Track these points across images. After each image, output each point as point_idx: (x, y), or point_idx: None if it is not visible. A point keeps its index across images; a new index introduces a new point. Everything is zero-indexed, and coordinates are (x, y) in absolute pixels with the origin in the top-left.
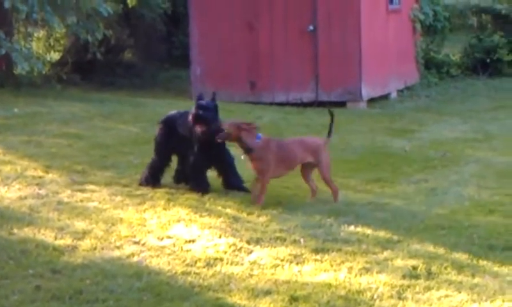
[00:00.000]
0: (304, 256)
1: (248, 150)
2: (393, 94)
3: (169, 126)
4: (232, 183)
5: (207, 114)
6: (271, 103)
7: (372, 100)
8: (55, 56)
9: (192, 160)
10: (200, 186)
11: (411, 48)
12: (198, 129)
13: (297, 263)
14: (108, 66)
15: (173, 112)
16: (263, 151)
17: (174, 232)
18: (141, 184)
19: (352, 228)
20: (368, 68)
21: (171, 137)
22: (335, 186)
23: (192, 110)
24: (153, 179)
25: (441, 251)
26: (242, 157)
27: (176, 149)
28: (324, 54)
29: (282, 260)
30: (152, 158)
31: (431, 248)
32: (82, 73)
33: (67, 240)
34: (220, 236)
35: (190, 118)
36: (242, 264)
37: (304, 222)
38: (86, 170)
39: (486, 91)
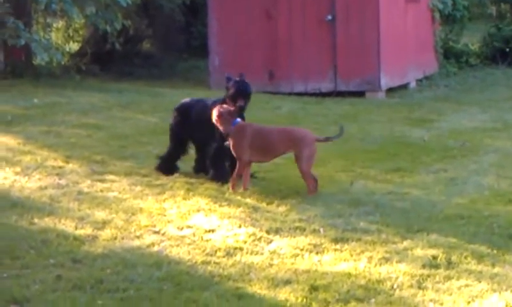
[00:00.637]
0: (324, 246)
1: (226, 135)
2: (412, 84)
3: (184, 113)
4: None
5: (249, 88)
6: (290, 93)
7: (390, 90)
8: (74, 47)
9: (212, 149)
10: (221, 176)
11: (430, 37)
12: (240, 103)
13: (317, 253)
14: (127, 57)
15: (187, 99)
16: (236, 136)
17: (194, 222)
18: (156, 169)
19: (371, 217)
20: (387, 57)
21: (185, 124)
22: (312, 184)
23: (207, 100)
24: (168, 166)
25: (461, 240)
26: (226, 143)
27: (191, 137)
28: (342, 43)
29: (302, 250)
30: (168, 146)
31: (450, 238)
32: (101, 64)
33: (87, 230)
34: (240, 226)
35: (232, 92)
36: (262, 254)
37: (324, 212)
38: (106, 160)
39: (505, 81)
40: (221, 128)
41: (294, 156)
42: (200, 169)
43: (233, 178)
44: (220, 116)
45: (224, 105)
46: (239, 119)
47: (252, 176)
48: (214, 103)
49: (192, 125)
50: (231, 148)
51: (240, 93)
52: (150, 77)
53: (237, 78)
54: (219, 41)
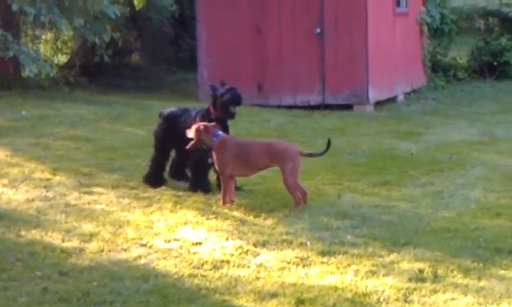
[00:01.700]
0: (310, 259)
1: (209, 149)
2: (400, 97)
3: (170, 122)
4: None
5: (241, 95)
6: (278, 106)
7: (379, 103)
8: (62, 59)
9: (195, 158)
10: (201, 184)
11: (418, 51)
12: (232, 110)
13: (303, 266)
14: (115, 69)
15: (173, 108)
16: (219, 149)
17: (181, 234)
18: (144, 182)
19: (358, 230)
20: (375, 71)
21: (170, 133)
22: (298, 197)
23: (195, 110)
24: (155, 177)
25: (447, 254)
26: (209, 160)
27: (176, 146)
28: (331, 56)
29: (289, 263)
30: (152, 155)
31: (437, 251)
32: (89, 76)
33: (74, 243)
34: (227, 239)
35: (226, 98)
36: (248, 267)
37: (311, 225)
38: (94, 172)
39: (492, 94)
40: (204, 142)
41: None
42: (177, 174)
43: (222, 194)
44: (201, 131)
45: (201, 123)
46: (220, 133)
47: (239, 188)
48: (198, 113)
49: (178, 135)
50: (215, 161)
51: (234, 100)
52: (138, 89)
53: (228, 86)
54: (208, 54)
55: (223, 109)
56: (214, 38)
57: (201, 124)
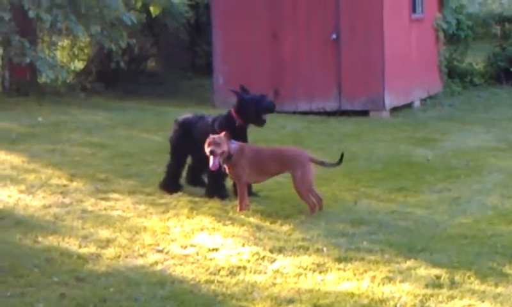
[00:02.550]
0: (327, 265)
1: (228, 158)
2: (417, 103)
3: (185, 129)
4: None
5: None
6: (294, 112)
7: (395, 109)
8: (79, 65)
9: None
10: (218, 190)
11: (434, 57)
12: (265, 118)
13: (320, 272)
14: (131, 75)
15: (189, 115)
16: (237, 157)
17: (197, 240)
18: (160, 188)
19: (375, 237)
20: (391, 77)
21: (186, 140)
22: (312, 202)
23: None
24: (171, 183)
25: (464, 260)
26: (222, 168)
27: (192, 153)
28: (347, 62)
29: (305, 269)
30: (168, 161)
31: (453, 257)
32: (105, 82)
33: (91, 248)
34: (243, 245)
35: (263, 106)
36: (265, 273)
37: (327, 231)
38: (110, 178)
39: (509, 100)
40: (229, 151)
41: None
42: (193, 180)
43: (239, 201)
44: (217, 143)
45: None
46: (234, 142)
47: (255, 194)
48: (215, 120)
49: (194, 142)
50: (230, 170)
51: (269, 108)
52: (154, 95)
53: (260, 94)
54: (224, 60)
55: (256, 117)
56: (230, 44)
57: (221, 135)
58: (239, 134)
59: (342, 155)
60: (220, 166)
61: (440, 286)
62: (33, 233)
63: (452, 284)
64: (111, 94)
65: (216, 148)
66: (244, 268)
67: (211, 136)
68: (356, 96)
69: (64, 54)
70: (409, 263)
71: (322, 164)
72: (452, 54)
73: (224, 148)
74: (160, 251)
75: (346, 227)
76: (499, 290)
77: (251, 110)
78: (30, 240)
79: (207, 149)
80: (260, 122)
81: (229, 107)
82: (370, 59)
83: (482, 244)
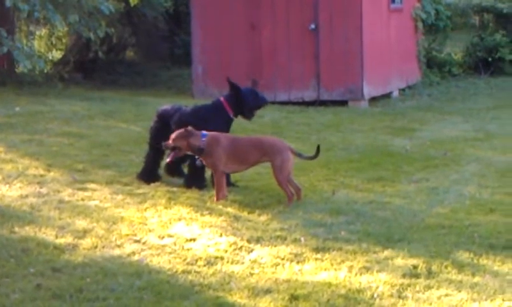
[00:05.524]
0: (304, 255)
1: (199, 151)
2: (395, 93)
3: (163, 120)
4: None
5: None
6: (273, 102)
7: (373, 99)
8: (57, 55)
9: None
10: (197, 182)
11: (413, 47)
12: (255, 113)
13: (297, 262)
14: (110, 65)
15: (168, 106)
16: (212, 147)
17: (175, 231)
18: (138, 178)
19: (352, 226)
20: (370, 67)
21: (164, 131)
22: (290, 191)
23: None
24: (149, 173)
25: (441, 250)
26: (197, 162)
27: None
28: (325, 52)
29: (283, 259)
30: (147, 152)
31: (431, 247)
32: (84, 72)
33: (68, 239)
34: (221, 235)
35: (259, 102)
36: (242, 263)
37: (305, 221)
38: (87, 169)
39: (487, 90)
40: (193, 146)
41: None
42: (172, 171)
43: (216, 191)
44: (186, 136)
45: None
46: (205, 132)
47: (234, 185)
48: (199, 110)
49: (171, 132)
50: (205, 160)
51: (265, 104)
52: (133, 85)
53: (255, 90)
54: (203, 50)
55: (249, 112)
56: (209, 34)
57: (183, 130)
58: (227, 125)
59: (318, 148)
60: (195, 159)
61: (417, 276)
62: (9, 223)
63: (429, 274)
64: (89, 84)
65: (168, 143)
66: (222, 258)
67: (176, 131)
68: (334, 87)
69: (42, 44)
70: (387, 253)
71: (299, 156)
72: (431, 44)
73: (182, 142)
74: (138, 241)
75: (324, 217)
76: (476, 279)
77: (248, 103)
78: (6, 230)
79: (163, 144)
80: (251, 116)
81: (208, 97)
82: (348, 49)
83: (459, 234)
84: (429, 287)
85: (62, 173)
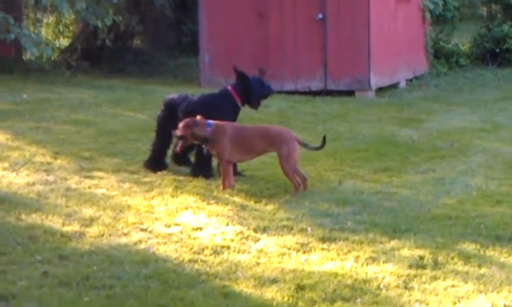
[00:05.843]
0: (311, 245)
1: (205, 141)
2: (402, 84)
3: (171, 109)
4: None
5: None
6: (280, 92)
7: (380, 90)
8: (64, 42)
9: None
10: (204, 171)
11: (421, 37)
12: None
13: (304, 252)
14: (117, 53)
15: (175, 95)
16: (217, 136)
17: (181, 219)
18: (145, 166)
19: (359, 217)
20: (377, 57)
21: (171, 120)
22: (296, 181)
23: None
24: (156, 162)
25: (448, 241)
26: (204, 151)
27: None
28: (332, 42)
29: (289, 249)
30: (153, 140)
31: (437, 238)
32: (91, 60)
33: (75, 227)
34: (227, 224)
35: (266, 92)
36: (249, 252)
37: (312, 211)
38: (94, 157)
39: (494, 81)
40: (199, 135)
41: None
42: (179, 160)
43: (222, 180)
44: (191, 126)
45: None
46: (211, 121)
47: (240, 174)
48: (206, 99)
49: (178, 121)
50: (211, 150)
51: (271, 93)
52: (140, 73)
53: (261, 79)
54: (210, 39)
55: (256, 101)
56: (216, 23)
57: (189, 119)
58: (235, 114)
59: (324, 138)
60: (202, 149)
61: (423, 266)
62: (16, 210)
63: (436, 265)
64: (96, 72)
65: (177, 132)
66: (228, 247)
67: (184, 120)
68: (341, 76)
69: (49, 31)
70: (393, 243)
71: (305, 146)
72: (438, 34)
73: (187, 132)
74: (144, 230)
75: (331, 207)
76: (482, 271)
77: (256, 93)
78: (13, 218)
79: (172, 132)
80: (257, 105)
81: (215, 86)
82: (356, 39)
83: (466, 225)
84: (435, 278)
85: (69, 161)
